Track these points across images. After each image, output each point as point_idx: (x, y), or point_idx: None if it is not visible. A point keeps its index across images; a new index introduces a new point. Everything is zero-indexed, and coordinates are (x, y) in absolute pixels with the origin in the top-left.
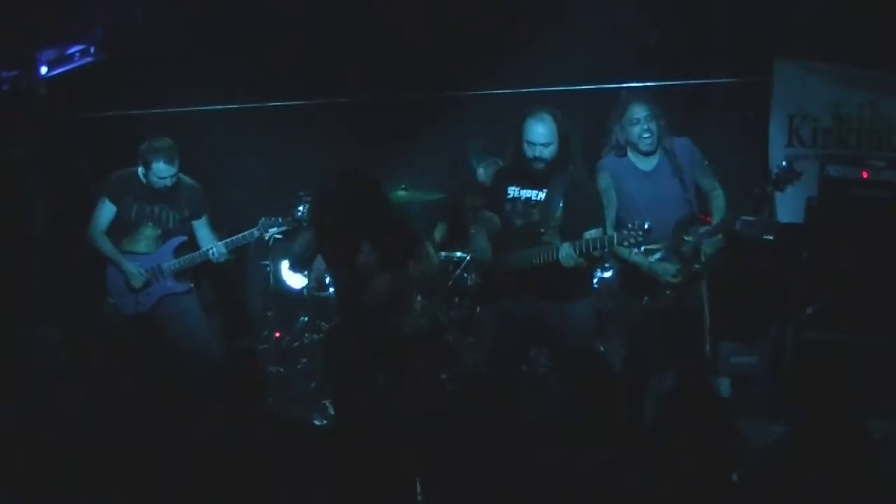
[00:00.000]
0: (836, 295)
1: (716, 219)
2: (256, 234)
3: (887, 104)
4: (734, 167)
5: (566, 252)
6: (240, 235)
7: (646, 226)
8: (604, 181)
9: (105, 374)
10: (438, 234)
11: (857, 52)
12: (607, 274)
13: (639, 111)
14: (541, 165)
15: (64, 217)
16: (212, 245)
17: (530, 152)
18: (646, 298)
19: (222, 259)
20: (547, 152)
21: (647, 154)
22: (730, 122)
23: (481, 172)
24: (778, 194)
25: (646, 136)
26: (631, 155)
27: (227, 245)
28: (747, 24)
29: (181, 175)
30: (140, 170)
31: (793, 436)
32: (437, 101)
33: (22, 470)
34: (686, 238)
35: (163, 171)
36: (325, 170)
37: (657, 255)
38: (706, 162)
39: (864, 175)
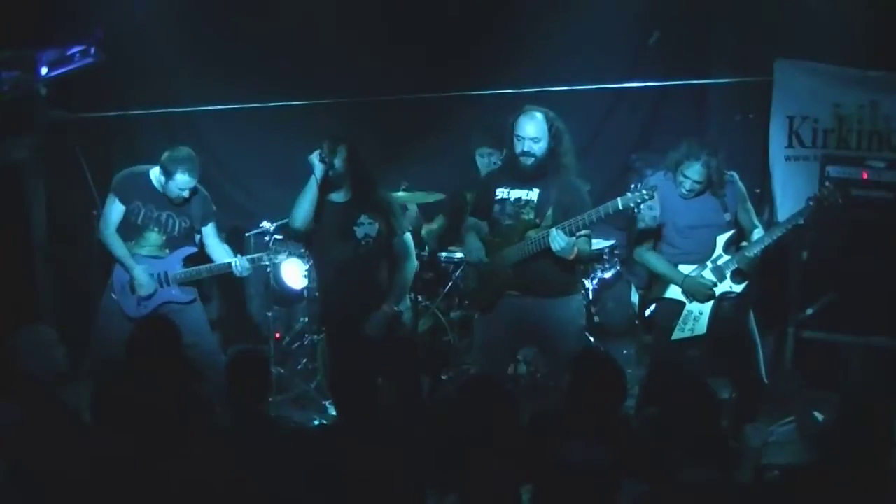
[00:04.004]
0: (836, 295)
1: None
2: (267, 259)
3: (887, 104)
4: (734, 168)
5: (555, 234)
6: (256, 256)
7: (650, 183)
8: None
9: (105, 371)
10: (436, 223)
11: (857, 52)
12: (608, 274)
13: (693, 172)
14: (530, 160)
15: (64, 217)
16: (233, 258)
17: (519, 147)
18: (675, 327)
19: (246, 273)
20: (536, 148)
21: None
22: (730, 123)
23: (481, 162)
24: (778, 194)
25: (685, 191)
26: None
27: (251, 261)
28: (747, 24)
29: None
30: (155, 173)
31: (793, 437)
32: (437, 101)
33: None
34: (725, 255)
35: (185, 182)
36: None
37: (693, 270)
38: (749, 203)
39: (865, 176)
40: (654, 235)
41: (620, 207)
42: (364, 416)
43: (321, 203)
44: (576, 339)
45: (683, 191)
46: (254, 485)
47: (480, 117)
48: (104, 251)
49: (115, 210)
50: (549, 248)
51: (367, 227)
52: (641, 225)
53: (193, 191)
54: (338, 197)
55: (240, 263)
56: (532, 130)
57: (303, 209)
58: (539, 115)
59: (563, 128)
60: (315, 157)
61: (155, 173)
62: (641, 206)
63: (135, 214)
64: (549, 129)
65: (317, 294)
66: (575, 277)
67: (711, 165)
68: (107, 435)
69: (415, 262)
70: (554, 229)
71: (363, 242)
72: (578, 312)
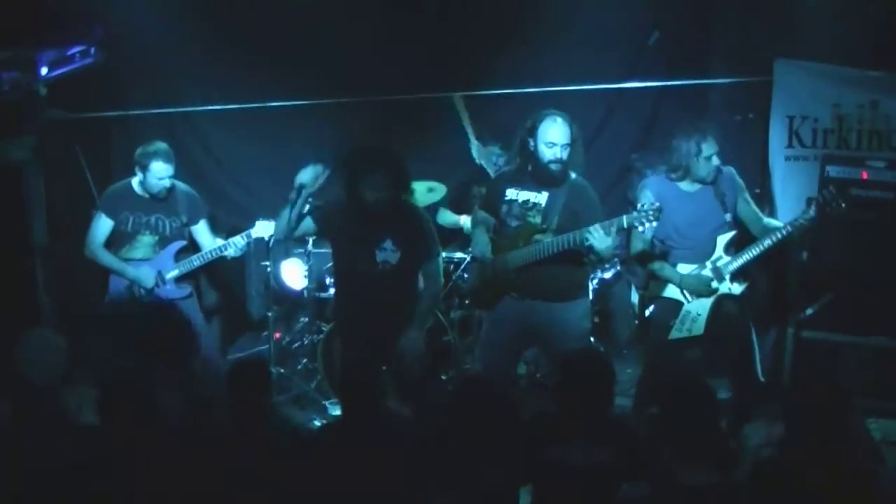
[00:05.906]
0: (836, 295)
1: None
2: (253, 235)
3: (887, 104)
4: (734, 168)
5: (596, 231)
6: (244, 233)
7: (656, 204)
8: (646, 199)
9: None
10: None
11: (857, 52)
12: (608, 274)
13: (710, 148)
14: (558, 167)
15: (64, 217)
16: (225, 242)
17: (551, 154)
18: (672, 327)
19: (241, 253)
20: (566, 154)
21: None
22: (730, 123)
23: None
24: (778, 194)
25: (713, 167)
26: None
27: (245, 237)
28: (747, 24)
29: (176, 182)
30: (135, 180)
31: (792, 436)
32: (437, 101)
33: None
34: (725, 256)
35: (161, 171)
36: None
37: (693, 270)
38: (748, 194)
39: (865, 176)
40: (656, 256)
41: (625, 225)
42: (369, 413)
43: (356, 199)
44: (578, 342)
45: (713, 168)
46: (252, 484)
47: (479, 117)
48: (96, 266)
49: (102, 225)
50: (564, 251)
51: (388, 253)
52: (640, 245)
53: (173, 188)
54: (372, 195)
55: (233, 242)
56: (563, 136)
57: (281, 224)
58: (561, 120)
59: (577, 131)
60: (303, 177)
61: (135, 181)
62: (645, 225)
63: (124, 224)
64: (571, 133)
65: (317, 294)
66: (583, 282)
67: (713, 131)
68: (105, 435)
69: (441, 286)
70: (596, 227)
71: (380, 266)
72: (584, 316)
